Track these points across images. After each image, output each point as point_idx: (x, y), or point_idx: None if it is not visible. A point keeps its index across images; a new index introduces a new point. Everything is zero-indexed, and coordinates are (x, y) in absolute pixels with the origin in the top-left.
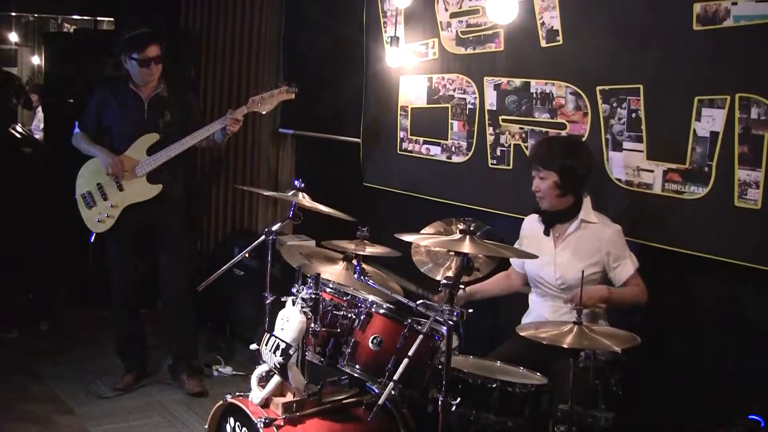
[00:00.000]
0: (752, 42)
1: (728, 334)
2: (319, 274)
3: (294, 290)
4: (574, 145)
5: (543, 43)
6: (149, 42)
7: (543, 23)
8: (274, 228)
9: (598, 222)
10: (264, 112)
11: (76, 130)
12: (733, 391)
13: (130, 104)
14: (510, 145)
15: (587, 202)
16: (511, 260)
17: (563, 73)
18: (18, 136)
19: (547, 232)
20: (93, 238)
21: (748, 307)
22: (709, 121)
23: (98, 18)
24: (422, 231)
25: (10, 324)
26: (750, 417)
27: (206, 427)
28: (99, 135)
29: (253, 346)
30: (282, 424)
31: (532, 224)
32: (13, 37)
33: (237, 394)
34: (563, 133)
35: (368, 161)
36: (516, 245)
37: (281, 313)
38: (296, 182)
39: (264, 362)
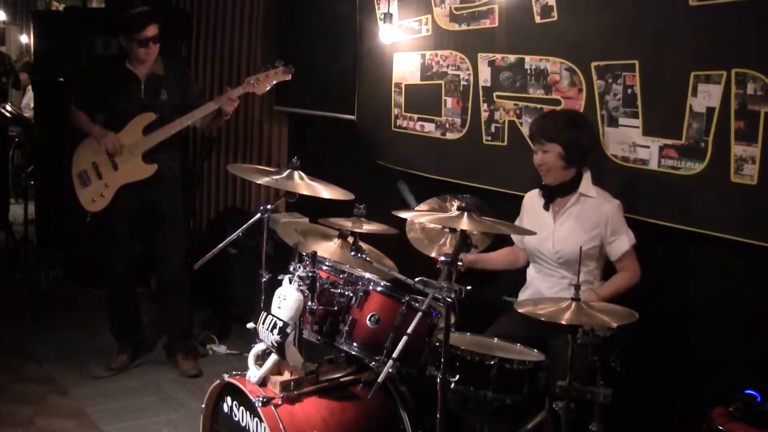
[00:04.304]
0: (749, 17)
1: (725, 310)
2: (315, 252)
3: (291, 268)
4: (576, 117)
5: (538, 19)
6: (148, 22)
7: None
8: (269, 206)
9: (597, 196)
10: (260, 93)
11: (73, 107)
12: (731, 367)
13: (127, 83)
14: (504, 121)
15: (587, 176)
16: (513, 236)
17: (558, 49)
18: (8, 115)
19: (546, 207)
20: (89, 217)
21: (745, 282)
22: (705, 96)
23: None
24: (417, 208)
25: None
26: (747, 392)
27: (203, 406)
28: (95, 114)
29: (250, 325)
30: (280, 402)
31: (533, 199)
32: (1, 15)
33: (234, 373)
34: (557, 109)
35: (364, 138)
36: (517, 221)
37: (278, 292)
38: (292, 160)
39: (261, 341)
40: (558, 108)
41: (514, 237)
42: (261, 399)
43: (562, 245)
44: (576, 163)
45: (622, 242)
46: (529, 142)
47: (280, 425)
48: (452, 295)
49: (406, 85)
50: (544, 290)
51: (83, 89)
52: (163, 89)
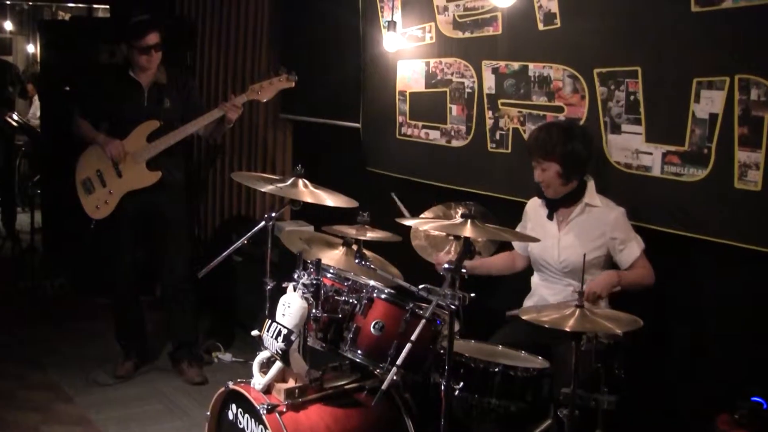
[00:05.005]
0: (752, 23)
1: (730, 317)
2: (320, 260)
3: (295, 276)
4: (571, 129)
5: (540, 26)
6: (149, 29)
7: (540, 6)
8: (274, 214)
9: (601, 205)
10: (264, 100)
11: (77, 117)
12: (736, 373)
13: (130, 91)
14: (509, 128)
15: (591, 185)
16: (514, 243)
17: (561, 56)
18: (15, 124)
19: (550, 216)
20: (93, 225)
21: (749, 289)
22: (708, 102)
23: (93, 5)
24: (422, 215)
25: None
26: (753, 399)
27: (208, 413)
28: (99, 122)
29: (255, 333)
30: (284, 410)
31: (535, 207)
32: (8, 25)
33: (239, 380)
34: (561, 116)
35: (368, 146)
36: (519, 227)
37: (282, 299)
38: (297, 167)
39: (266, 348)
40: (562, 115)
41: (516, 243)
42: (265, 406)
43: (568, 254)
44: (575, 176)
45: (632, 249)
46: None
47: None
48: (456, 303)
49: (410, 92)
50: (548, 298)
51: (87, 98)
52: (166, 97)
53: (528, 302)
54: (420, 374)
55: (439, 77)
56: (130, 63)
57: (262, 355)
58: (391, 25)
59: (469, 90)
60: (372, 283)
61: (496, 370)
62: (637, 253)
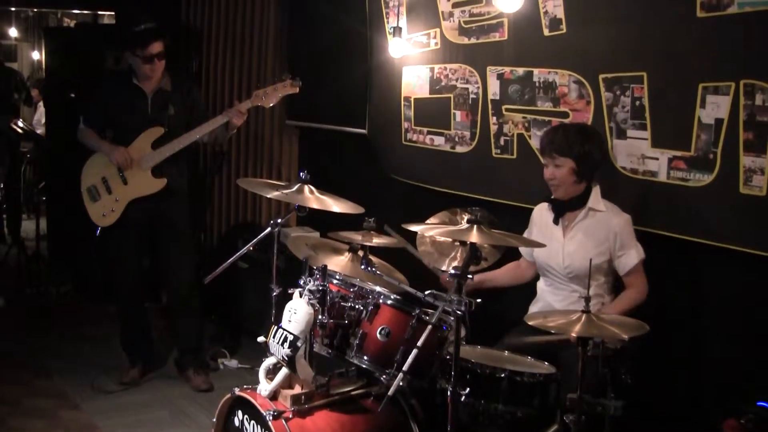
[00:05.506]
0: (757, 28)
1: (736, 322)
2: (326, 266)
3: (301, 282)
4: (588, 130)
5: (546, 32)
6: (153, 38)
7: (546, 12)
8: (280, 220)
9: (606, 210)
10: (268, 106)
11: (81, 125)
12: (743, 379)
13: (134, 98)
14: (513, 134)
15: (596, 190)
16: (521, 249)
17: (566, 62)
18: (20, 131)
19: (556, 221)
20: (98, 232)
21: (754, 293)
22: (714, 108)
23: (99, 12)
24: (427, 221)
25: None
26: (759, 404)
27: (214, 420)
28: (103, 130)
29: (261, 339)
30: (291, 416)
31: (542, 213)
32: (13, 32)
33: (245, 387)
34: (566, 121)
35: (375, 152)
36: (526, 233)
37: (288, 305)
38: (301, 174)
39: (272, 355)
40: (567, 121)
41: (523, 250)
42: (272, 412)
43: (572, 259)
44: (587, 177)
45: (631, 257)
46: (539, 156)
47: None
48: (462, 308)
49: (415, 98)
50: (554, 303)
51: (91, 106)
52: (170, 104)
53: (533, 308)
54: (426, 380)
55: (443, 83)
56: (134, 70)
57: (268, 362)
58: (397, 31)
59: (474, 96)
60: (378, 288)
61: (503, 375)
62: (635, 262)
